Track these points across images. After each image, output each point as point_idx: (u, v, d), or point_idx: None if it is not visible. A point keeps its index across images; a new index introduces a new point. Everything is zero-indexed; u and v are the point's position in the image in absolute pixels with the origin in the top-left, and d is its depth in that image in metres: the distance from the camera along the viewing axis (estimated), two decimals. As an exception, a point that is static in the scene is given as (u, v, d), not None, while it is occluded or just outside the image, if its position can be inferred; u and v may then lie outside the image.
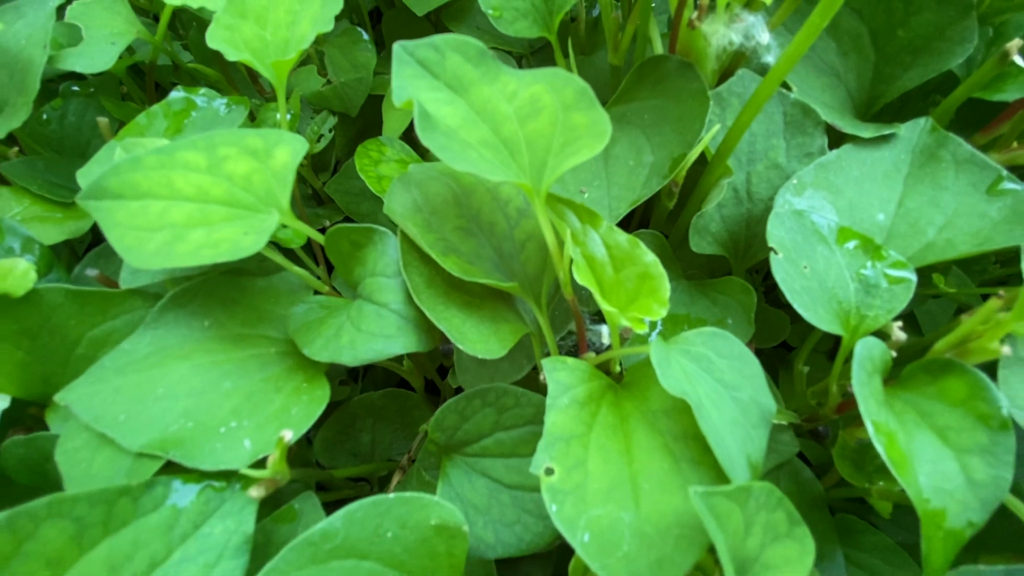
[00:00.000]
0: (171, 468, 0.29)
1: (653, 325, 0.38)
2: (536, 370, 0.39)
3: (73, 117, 0.53)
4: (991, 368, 0.29)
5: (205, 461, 0.28)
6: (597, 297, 0.28)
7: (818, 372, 0.47)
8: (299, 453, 0.48)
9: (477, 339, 0.30)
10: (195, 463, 0.28)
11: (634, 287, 0.30)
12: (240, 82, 0.60)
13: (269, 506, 0.34)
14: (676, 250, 0.43)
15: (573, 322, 0.39)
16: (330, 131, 0.58)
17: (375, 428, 0.49)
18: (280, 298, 0.37)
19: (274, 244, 0.37)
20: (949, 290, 0.38)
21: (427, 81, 0.29)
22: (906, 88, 0.43)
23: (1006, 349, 0.26)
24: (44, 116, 0.52)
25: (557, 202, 0.30)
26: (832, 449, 0.37)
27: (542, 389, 0.37)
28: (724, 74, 0.42)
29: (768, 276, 0.66)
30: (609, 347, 0.34)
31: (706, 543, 0.24)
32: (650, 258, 0.30)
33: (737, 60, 0.41)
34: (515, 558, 0.37)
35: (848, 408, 0.38)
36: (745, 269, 0.43)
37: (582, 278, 0.28)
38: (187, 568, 0.26)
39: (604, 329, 0.35)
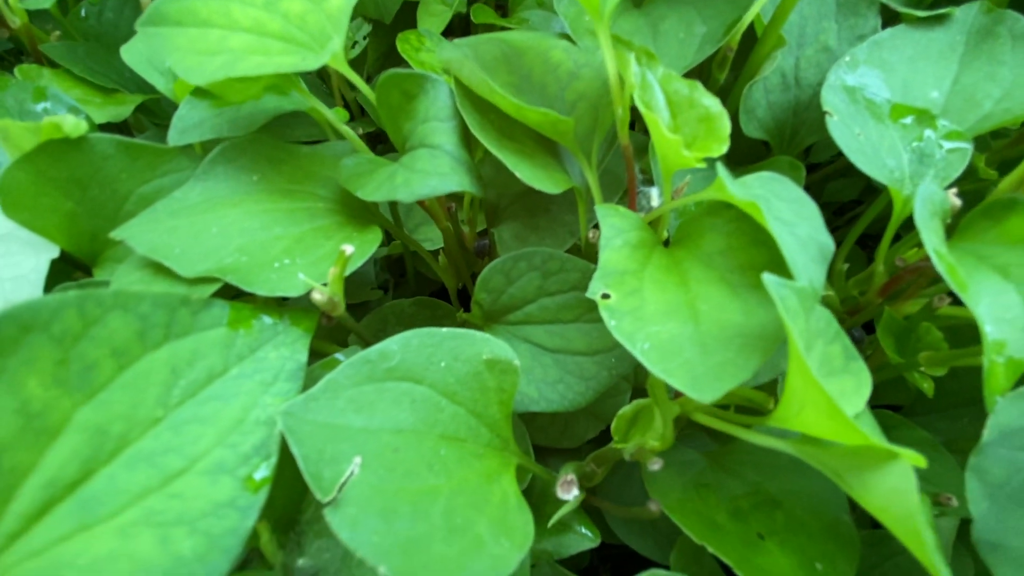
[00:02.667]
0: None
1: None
2: (576, 246, 0.39)
3: (111, 13, 0.53)
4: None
5: (262, 287, 0.29)
6: (656, 129, 0.27)
7: (857, 270, 0.47)
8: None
9: (532, 176, 0.30)
10: (252, 288, 0.28)
11: (692, 131, 0.30)
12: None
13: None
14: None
15: (620, 195, 0.38)
16: (364, 38, 0.57)
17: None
18: (326, 161, 0.37)
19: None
20: (991, 173, 0.37)
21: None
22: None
23: (1079, 174, 0.25)
24: (83, 12, 0.52)
25: (618, 40, 0.29)
26: (877, 326, 0.37)
27: (586, 258, 0.37)
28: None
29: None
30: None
31: (768, 349, 0.24)
32: (710, 101, 0.29)
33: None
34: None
35: (895, 286, 0.38)
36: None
37: (642, 108, 0.27)
38: (245, 384, 0.27)
39: (654, 191, 0.35)
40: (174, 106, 0.51)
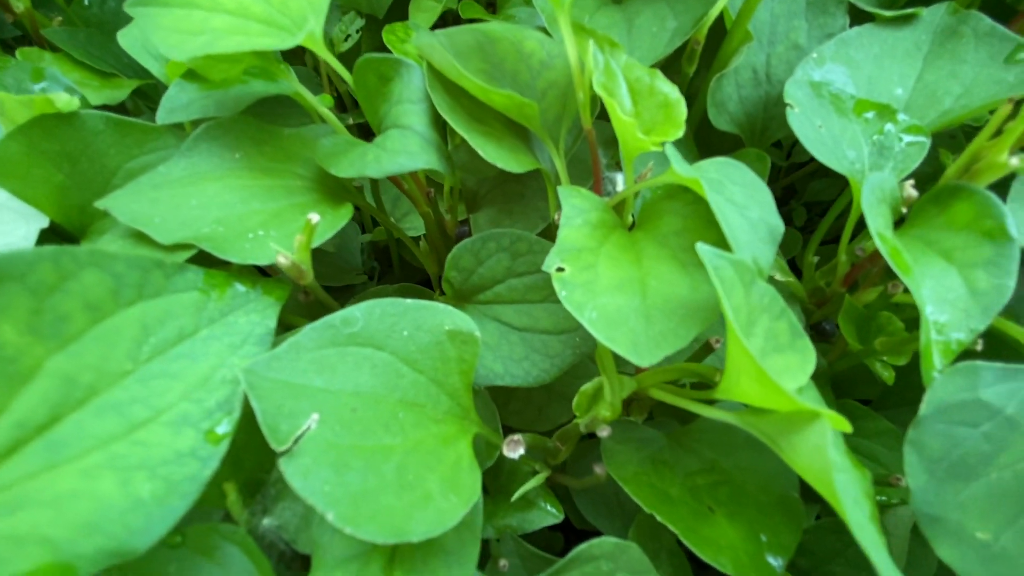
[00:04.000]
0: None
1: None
2: (549, 229, 0.41)
3: (113, 2, 0.55)
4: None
5: (235, 255, 0.30)
6: (614, 113, 0.29)
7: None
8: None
9: (498, 156, 0.32)
10: (225, 255, 0.30)
11: (651, 117, 0.31)
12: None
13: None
14: (695, 132, 0.44)
15: (589, 182, 0.40)
16: (357, 32, 0.59)
17: (389, 317, 0.50)
18: (307, 142, 0.38)
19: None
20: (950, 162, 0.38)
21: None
22: (932, -21, 0.43)
23: (1014, 160, 0.26)
24: (86, 1, 0.54)
25: (581, 29, 0.31)
26: (838, 316, 0.38)
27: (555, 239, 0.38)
28: (749, -46, 0.42)
29: (782, 196, 0.66)
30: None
31: (707, 320, 0.25)
32: (668, 88, 0.31)
33: (763, -63, 0.41)
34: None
35: (856, 274, 0.39)
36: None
37: (601, 93, 0.29)
38: (214, 345, 0.28)
39: (619, 177, 0.36)
40: (166, 85, 0.53)
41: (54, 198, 0.36)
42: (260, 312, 0.30)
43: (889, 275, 0.37)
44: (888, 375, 0.38)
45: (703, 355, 0.35)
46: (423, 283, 0.57)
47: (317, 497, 0.23)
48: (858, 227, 0.38)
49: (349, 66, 0.64)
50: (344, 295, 0.56)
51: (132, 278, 0.26)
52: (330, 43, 0.59)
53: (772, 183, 0.63)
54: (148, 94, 0.52)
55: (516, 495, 0.35)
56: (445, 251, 0.50)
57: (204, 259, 0.31)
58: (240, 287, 0.30)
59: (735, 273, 0.23)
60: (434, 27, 0.59)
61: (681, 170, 0.26)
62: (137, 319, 0.26)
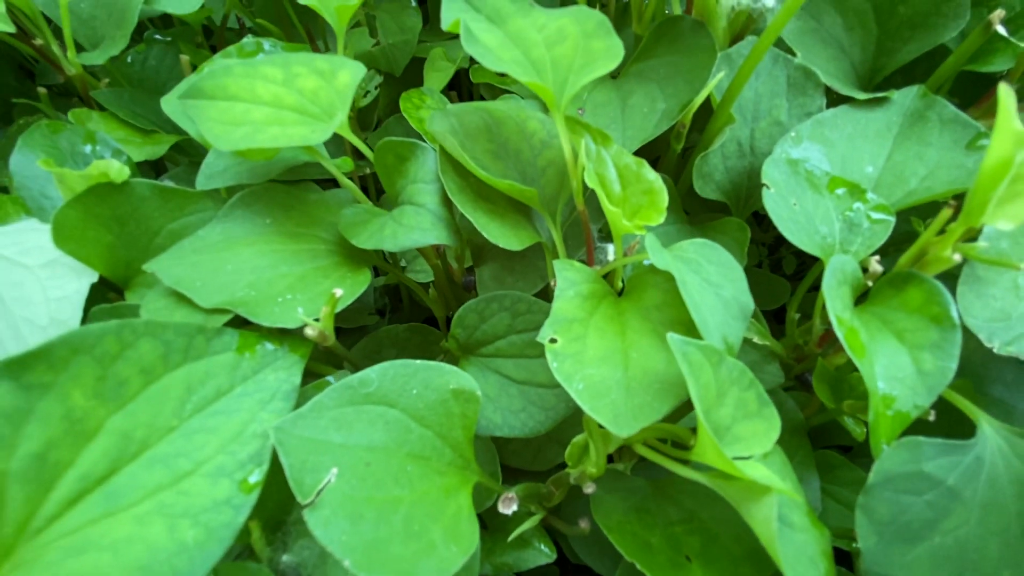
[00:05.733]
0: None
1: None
2: (547, 289, 0.44)
3: (154, 61, 0.60)
4: (952, 285, 0.32)
5: (266, 319, 0.34)
6: (603, 201, 0.32)
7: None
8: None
9: (499, 235, 0.35)
10: (257, 319, 0.34)
11: (637, 202, 0.34)
12: (298, 39, 0.67)
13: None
14: (683, 197, 0.47)
15: (584, 249, 0.43)
16: (375, 88, 0.64)
17: (398, 357, 0.54)
18: (330, 208, 0.42)
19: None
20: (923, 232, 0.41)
21: (471, 14, 0.34)
22: (905, 61, 0.46)
23: (956, 256, 0.29)
24: (129, 59, 0.60)
25: (576, 123, 0.35)
26: (812, 376, 0.41)
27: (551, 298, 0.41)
28: (735, 39, 0.46)
29: (774, 243, 0.70)
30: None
31: (680, 396, 0.29)
32: (653, 176, 0.34)
33: (747, 25, 0.45)
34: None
35: (829, 338, 0.42)
36: (744, 218, 0.47)
37: (592, 183, 0.32)
38: (246, 401, 0.32)
39: (610, 247, 0.40)
40: (203, 145, 0.58)
41: (104, 256, 0.41)
42: (287, 369, 0.34)
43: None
44: (859, 431, 0.41)
45: (688, 410, 0.39)
46: (430, 321, 0.61)
47: (335, 546, 0.26)
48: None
49: (369, 117, 0.68)
50: (358, 334, 0.60)
51: (179, 344, 0.30)
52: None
53: (764, 231, 0.67)
54: (184, 148, 0.57)
55: (512, 535, 0.38)
56: (452, 297, 0.54)
57: (237, 317, 0.34)
58: (269, 346, 0.34)
59: (703, 356, 0.27)
60: (448, 85, 0.64)
61: (657, 260, 0.29)
62: (182, 380, 0.30)
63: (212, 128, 0.34)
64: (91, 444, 0.27)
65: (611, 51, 0.31)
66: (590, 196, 0.40)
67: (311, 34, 0.66)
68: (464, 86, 0.72)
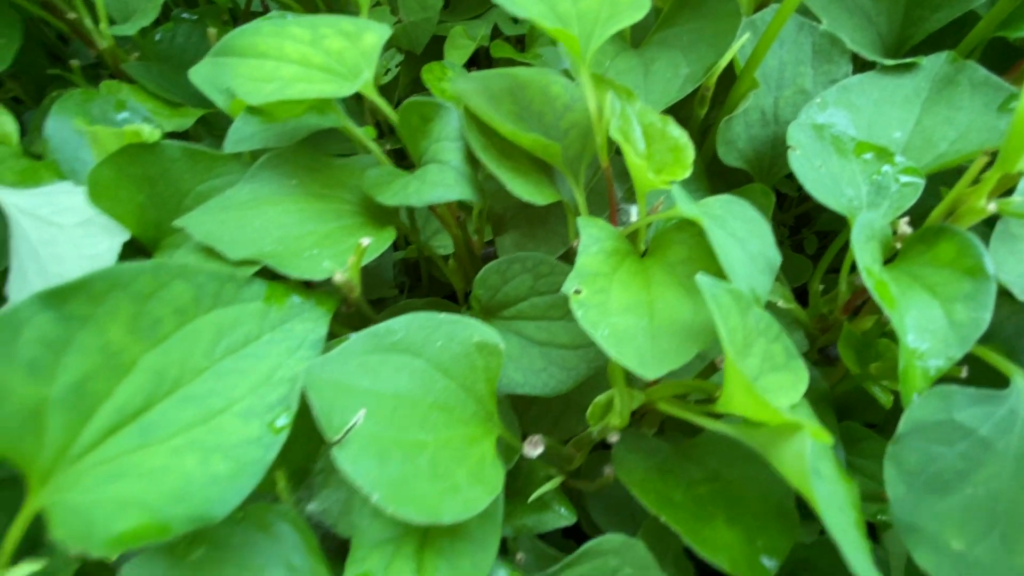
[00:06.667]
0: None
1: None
2: (569, 253, 0.44)
3: (181, 39, 0.61)
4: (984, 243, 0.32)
5: (293, 271, 0.34)
6: (629, 155, 0.32)
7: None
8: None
9: (523, 190, 0.36)
10: (285, 270, 0.34)
11: (662, 159, 0.34)
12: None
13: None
14: (707, 165, 0.47)
15: (607, 211, 0.43)
16: (396, 66, 0.64)
17: (417, 329, 0.54)
18: (354, 171, 0.43)
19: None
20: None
21: (498, -29, 0.34)
22: (933, 29, 0.46)
23: (991, 206, 0.29)
24: (157, 36, 0.61)
25: (600, 80, 0.35)
26: (838, 342, 0.41)
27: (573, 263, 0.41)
28: (759, 6, 0.46)
29: (795, 224, 0.69)
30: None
31: (706, 342, 0.28)
32: (678, 133, 0.34)
33: (772, -8, 0.45)
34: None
35: (856, 303, 0.41)
36: (768, 186, 0.47)
37: (617, 138, 0.32)
38: (274, 348, 0.32)
39: (633, 209, 0.40)
40: (228, 120, 0.59)
41: (135, 215, 0.42)
42: (313, 321, 0.34)
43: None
44: (886, 399, 0.40)
45: (709, 374, 0.38)
46: (449, 297, 0.61)
47: (363, 481, 0.27)
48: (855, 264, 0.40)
49: (389, 96, 0.69)
50: (377, 307, 0.60)
51: (210, 288, 0.31)
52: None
53: (785, 212, 0.66)
54: (210, 122, 0.58)
55: (533, 497, 0.38)
56: (471, 269, 0.54)
57: (264, 272, 0.35)
58: (296, 298, 0.35)
59: (731, 300, 0.27)
60: (467, 64, 0.64)
61: (685, 208, 0.29)
62: (213, 324, 0.31)
63: (243, 84, 0.34)
64: (127, 379, 0.27)
65: (637, 2, 0.31)
66: (613, 158, 0.40)
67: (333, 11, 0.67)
68: (483, 65, 0.72)
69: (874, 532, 0.46)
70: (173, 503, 0.25)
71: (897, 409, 0.41)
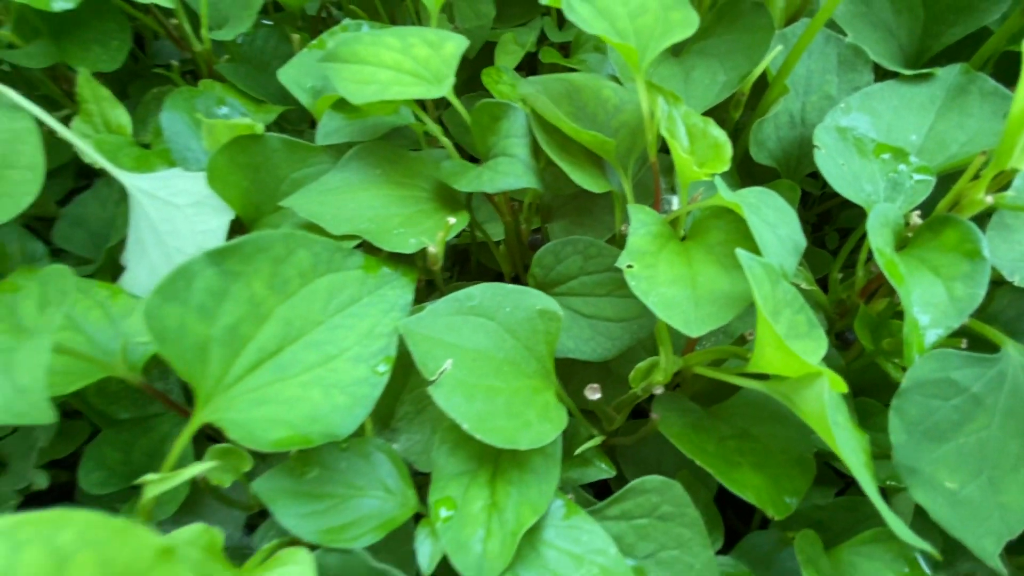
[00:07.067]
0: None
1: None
2: (614, 239, 0.50)
3: (260, 42, 0.68)
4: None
5: (386, 245, 0.40)
6: (676, 150, 0.38)
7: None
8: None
9: (581, 178, 0.41)
10: (379, 245, 0.40)
11: (704, 154, 0.40)
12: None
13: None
14: (738, 164, 0.52)
15: (651, 201, 0.49)
16: (451, 69, 0.70)
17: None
18: (427, 164, 0.49)
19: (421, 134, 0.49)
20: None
21: (565, -8, 0.40)
22: (949, 43, 0.51)
23: (988, 198, 0.34)
24: (239, 40, 0.68)
25: (651, 85, 0.40)
26: (855, 322, 0.46)
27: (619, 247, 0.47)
28: (790, 20, 0.51)
29: (817, 222, 0.74)
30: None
31: (742, 306, 0.34)
32: (718, 132, 0.40)
33: (801, 7, 0.50)
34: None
35: (871, 288, 0.46)
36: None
37: (667, 136, 0.38)
38: (372, 309, 0.38)
39: (674, 199, 0.45)
40: (300, 117, 0.65)
41: (240, 198, 0.48)
42: (401, 288, 0.41)
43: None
44: (898, 374, 0.45)
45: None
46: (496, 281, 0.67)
47: (455, 413, 0.33)
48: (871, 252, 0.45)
49: (440, 104, 0.75)
50: (428, 289, 0.67)
51: (324, 256, 0.37)
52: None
53: (808, 210, 0.71)
54: (288, 119, 0.65)
55: (578, 451, 0.44)
56: (519, 255, 0.60)
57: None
58: (386, 269, 0.41)
59: (764, 272, 0.32)
60: (516, 68, 0.70)
61: (726, 195, 0.35)
62: (326, 286, 0.37)
63: (347, 86, 0.40)
64: (265, 326, 0.34)
65: (687, 20, 0.37)
66: (659, 156, 0.45)
67: (394, 21, 0.73)
68: (529, 69, 0.78)
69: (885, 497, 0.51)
70: (309, 423, 0.31)
71: None
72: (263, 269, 0.34)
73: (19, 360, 0.26)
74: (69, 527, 0.17)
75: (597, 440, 0.45)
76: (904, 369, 0.45)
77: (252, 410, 0.31)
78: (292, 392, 0.32)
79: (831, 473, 0.56)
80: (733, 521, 0.55)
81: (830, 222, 0.75)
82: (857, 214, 0.73)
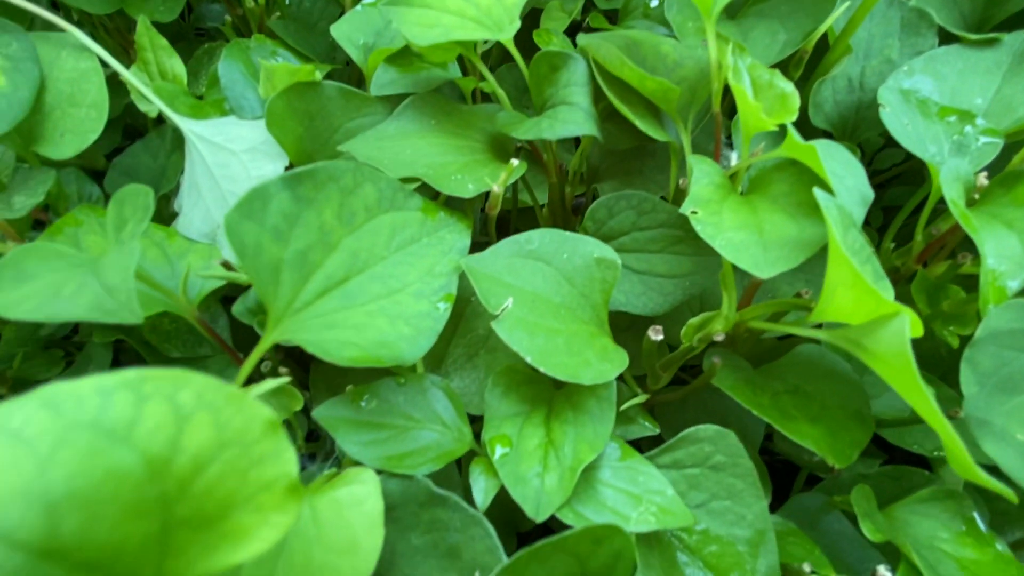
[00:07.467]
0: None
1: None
2: (664, 199, 0.49)
3: (308, 3, 0.69)
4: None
5: (445, 189, 0.40)
6: (743, 99, 0.38)
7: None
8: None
9: (645, 126, 0.41)
10: (439, 188, 0.40)
11: (770, 105, 0.39)
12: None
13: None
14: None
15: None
16: (495, 36, 0.70)
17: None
18: (479, 116, 0.49)
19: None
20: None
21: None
22: (1013, 11, 0.49)
23: (1070, 150, 0.33)
24: (287, 1, 0.68)
25: (719, 35, 0.40)
26: (912, 286, 0.45)
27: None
28: (852, -18, 0.50)
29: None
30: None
31: (811, 251, 0.33)
32: (784, 83, 0.39)
33: (866, -30, 0.49)
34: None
35: (929, 253, 0.45)
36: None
37: (733, 84, 0.38)
38: (431, 249, 0.39)
39: (733, 154, 0.45)
40: (349, 78, 0.66)
41: (294, 145, 0.49)
42: (458, 232, 0.41)
43: (957, 251, 0.44)
44: (954, 340, 0.44)
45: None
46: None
47: (518, 347, 0.33)
48: (931, 215, 0.45)
49: (487, 55, 0.75)
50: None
51: (388, 193, 0.37)
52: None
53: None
54: (333, 78, 0.65)
55: (623, 407, 0.44)
56: (562, 218, 0.60)
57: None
58: (443, 214, 0.41)
59: (839, 213, 0.32)
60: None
61: (798, 140, 0.34)
62: (389, 223, 0.37)
63: (412, 28, 0.41)
64: (333, 255, 0.34)
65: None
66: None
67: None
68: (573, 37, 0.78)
69: (929, 466, 0.50)
70: (378, 347, 0.31)
71: (956, 362, 0.45)
72: (333, 198, 0.34)
73: (109, 262, 0.26)
74: (188, 387, 0.17)
75: (642, 398, 0.45)
76: (960, 337, 0.45)
77: (323, 332, 0.31)
78: (359, 319, 0.33)
79: (874, 447, 0.55)
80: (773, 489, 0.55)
81: (874, 201, 0.74)
82: (902, 193, 0.72)
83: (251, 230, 0.30)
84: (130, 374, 0.16)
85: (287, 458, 0.18)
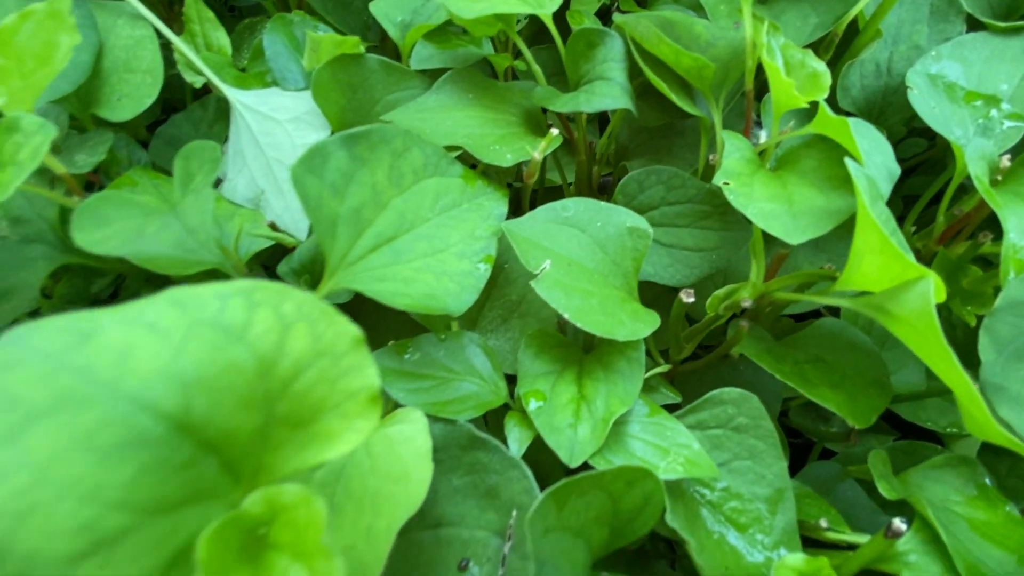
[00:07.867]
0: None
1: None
2: (694, 174, 0.51)
3: (343, -18, 0.70)
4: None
5: (485, 158, 0.42)
6: (775, 76, 0.39)
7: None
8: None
9: (680, 101, 0.43)
10: (480, 157, 0.42)
11: (801, 84, 0.41)
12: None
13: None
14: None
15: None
16: (525, 17, 0.72)
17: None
18: (514, 92, 0.51)
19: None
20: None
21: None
22: (1045, -1, 0.50)
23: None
24: (323, -21, 0.70)
25: (754, 16, 0.41)
26: (931, 265, 0.46)
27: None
28: (884, -31, 0.51)
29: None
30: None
31: (839, 220, 0.35)
32: (816, 62, 0.41)
33: (898, -44, 0.50)
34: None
35: (950, 234, 0.47)
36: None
37: (767, 61, 0.39)
38: (471, 215, 0.41)
39: (763, 132, 0.46)
40: (380, 52, 0.67)
41: (336, 116, 0.51)
42: (496, 200, 0.42)
43: (977, 232, 0.46)
44: (971, 319, 0.46)
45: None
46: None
47: (556, 304, 0.35)
48: (953, 199, 0.46)
49: (519, 36, 0.76)
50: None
51: (433, 159, 0.39)
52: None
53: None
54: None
55: (646, 374, 0.46)
56: (588, 196, 0.61)
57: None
58: (481, 183, 0.43)
59: (868, 183, 0.33)
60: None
61: (831, 114, 0.36)
62: (433, 187, 0.39)
63: (457, 2, 0.42)
64: (383, 214, 0.36)
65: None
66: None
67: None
68: (603, 21, 0.79)
69: (943, 443, 0.51)
70: (427, 299, 0.33)
71: (973, 343, 0.46)
72: (384, 159, 0.36)
73: (187, 205, 0.28)
74: (291, 299, 0.19)
75: (664, 367, 0.47)
76: (978, 316, 0.46)
77: (375, 284, 0.33)
78: (408, 274, 0.35)
79: (888, 425, 0.57)
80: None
81: (894, 190, 0.75)
82: (921, 182, 0.73)
83: (313, 184, 0.32)
84: (243, 283, 0.18)
85: (370, 372, 0.20)
